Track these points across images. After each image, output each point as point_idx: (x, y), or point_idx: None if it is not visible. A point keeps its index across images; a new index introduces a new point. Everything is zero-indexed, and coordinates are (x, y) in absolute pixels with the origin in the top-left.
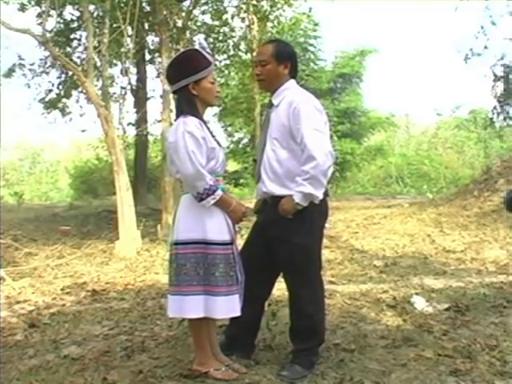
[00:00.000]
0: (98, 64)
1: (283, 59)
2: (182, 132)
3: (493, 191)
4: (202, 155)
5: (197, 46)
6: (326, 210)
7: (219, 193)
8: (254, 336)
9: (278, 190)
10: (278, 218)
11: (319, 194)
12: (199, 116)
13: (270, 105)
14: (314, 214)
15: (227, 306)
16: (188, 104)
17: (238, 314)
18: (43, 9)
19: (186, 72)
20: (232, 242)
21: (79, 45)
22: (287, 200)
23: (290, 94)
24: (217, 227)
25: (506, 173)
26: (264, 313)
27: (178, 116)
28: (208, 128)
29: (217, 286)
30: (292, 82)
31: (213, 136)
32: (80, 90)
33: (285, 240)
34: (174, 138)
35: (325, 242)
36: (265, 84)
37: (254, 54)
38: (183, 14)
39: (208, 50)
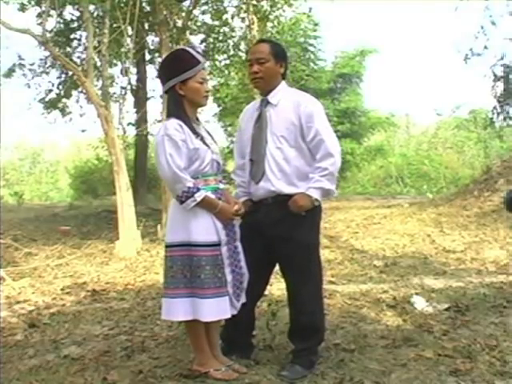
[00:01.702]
0: (98, 64)
1: (280, 58)
2: (162, 135)
3: (493, 191)
4: (181, 158)
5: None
6: (321, 208)
7: (200, 195)
8: (251, 336)
9: (286, 189)
10: (283, 217)
11: (335, 190)
12: (183, 117)
13: (265, 103)
14: (316, 211)
15: (216, 308)
16: (174, 105)
17: (227, 316)
18: (43, 9)
19: (172, 72)
20: (220, 243)
21: (79, 45)
22: (302, 197)
23: (289, 93)
24: (203, 229)
25: (506, 173)
26: (263, 313)
27: (166, 117)
28: (193, 128)
29: (203, 288)
30: (284, 82)
31: (198, 136)
32: (80, 90)
33: (288, 238)
34: (156, 142)
35: (325, 241)
36: (262, 82)
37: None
38: (183, 14)
39: (198, 48)
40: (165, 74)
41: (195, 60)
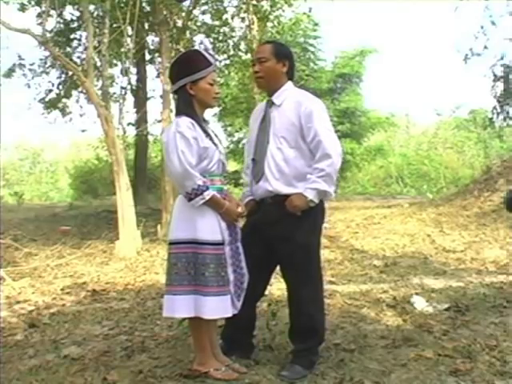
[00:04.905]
0: (98, 64)
1: (282, 57)
2: (174, 132)
3: (493, 191)
4: (193, 155)
5: (199, 47)
6: (324, 209)
7: (209, 193)
8: (251, 335)
9: (284, 189)
10: (281, 217)
11: (332, 192)
12: (194, 116)
13: (270, 104)
14: (316, 213)
15: (218, 307)
16: (184, 104)
17: (229, 314)
18: (43, 9)
19: (184, 72)
20: (223, 243)
21: (79, 45)
22: (297, 197)
23: (293, 94)
24: (208, 227)
25: (506, 173)
26: (263, 313)
27: (176, 116)
28: (203, 128)
29: (206, 285)
30: (290, 83)
31: (208, 135)
32: (80, 90)
33: (288, 239)
34: (166, 139)
35: (325, 242)
36: (263, 81)
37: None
38: (183, 14)
39: (210, 51)
40: (176, 74)
41: (207, 62)
